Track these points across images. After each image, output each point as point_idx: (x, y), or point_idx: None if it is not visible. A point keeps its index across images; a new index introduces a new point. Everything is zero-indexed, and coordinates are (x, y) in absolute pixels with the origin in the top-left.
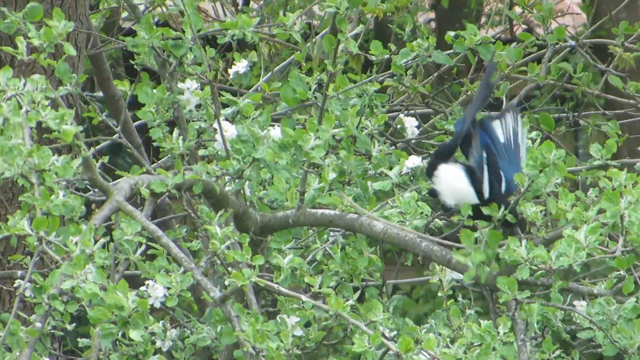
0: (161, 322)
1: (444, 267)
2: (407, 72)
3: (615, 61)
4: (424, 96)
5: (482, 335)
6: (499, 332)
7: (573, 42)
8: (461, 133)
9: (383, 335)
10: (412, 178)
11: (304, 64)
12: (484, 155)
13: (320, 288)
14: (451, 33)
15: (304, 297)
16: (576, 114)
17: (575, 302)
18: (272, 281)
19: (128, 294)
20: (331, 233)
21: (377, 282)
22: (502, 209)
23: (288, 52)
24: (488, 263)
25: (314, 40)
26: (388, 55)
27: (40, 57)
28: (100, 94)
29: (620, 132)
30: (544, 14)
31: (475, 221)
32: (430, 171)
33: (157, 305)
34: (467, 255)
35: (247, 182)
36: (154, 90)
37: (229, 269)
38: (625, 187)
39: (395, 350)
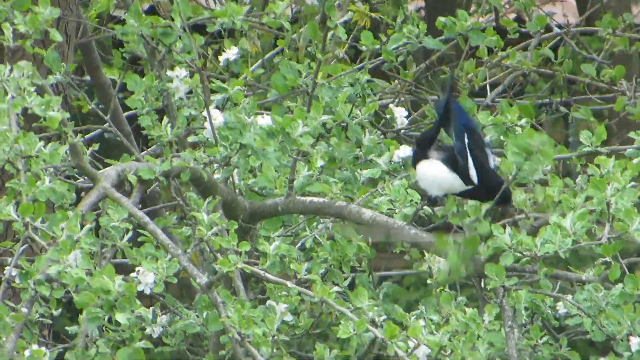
0: (151, 308)
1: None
2: (397, 58)
3: (606, 47)
4: (409, 83)
5: (467, 323)
6: (483, 320)
7: (559, 30)
8: (440, 118)
9: (372, 321)
10: (402, 166)
11: (287, 50)
12: (466, 139)
13: (307, 274)
14: (442, 19)
15: (289, 284)
16: (559, 100)
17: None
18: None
19: (114, 278)
20: (321, 220)
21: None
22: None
23: (270, 37)
24: (464, 264)
25: (300, 30)
26: (378, 46)
27: (27, 44)
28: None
29: (593, 119)
30: (525, 2)
31: (466, 205)
32: (414, 165)
33: (147, 291)
34: (444, 256)
35: (236, 170)
36: (143, 79)
37: (218, 255)
38: (613, 174)
39: (380, 337)
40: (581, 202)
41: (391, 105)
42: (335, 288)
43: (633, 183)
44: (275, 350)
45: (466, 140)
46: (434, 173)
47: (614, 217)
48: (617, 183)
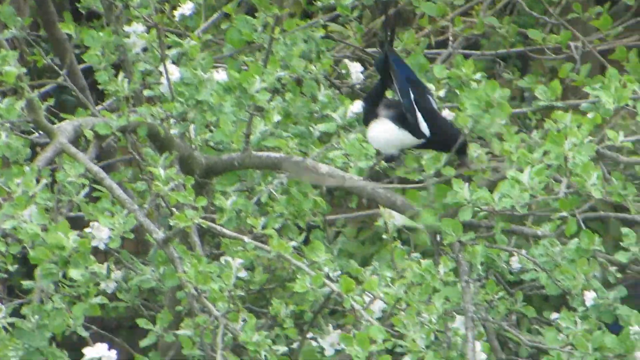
0: (105, 264)
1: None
2: (353, 12)
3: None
4: (356, 48)
5: (423, 275)
6: (439, 272)
7: None
8: (381, 74)
9: (327, 276)
10: (357, 121)
11: (234, 16)
12: (411, 94)
13: (263, 229)
14: None
15: (246, 239)
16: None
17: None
18: (215, 223)
19: (69, 234)
20: (276, 175)
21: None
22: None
23: None
24: (437, 218)
25: None
26: (333, 1)
27: None
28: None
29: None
30: None
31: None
32: (365, 125)
33: (102, 247)
34: (417, 216)
35: (192, 125)
36: (100, 34)
37: (174, 210)
38: (570, 129)
39: (336, 291)
40: (539, 157)
41: (346, 60)
42: (292, 243)
43: (590, 138)
44: (231, 306)
45: (412, 95)
46: (385, 133)
47: (571, 171)
48: (575, 137)
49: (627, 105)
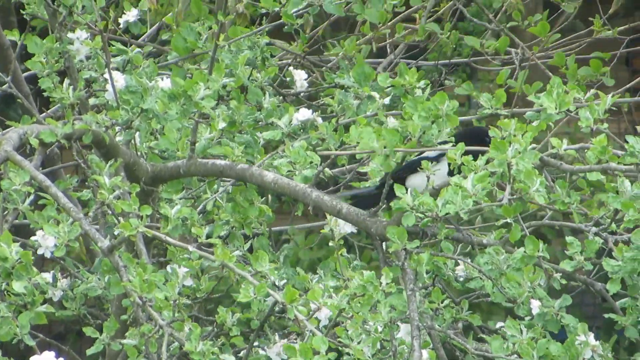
0: (51, 272)
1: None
2: (298, 21)
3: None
4: (296, 55)
5: (365, 286)
6: (381, 283)
7: None
8: None
9: (273, 284)
10: (302, 129)
11: (174, 27)
12: None
13: (208, 238)
14: None
15: (190, 247)
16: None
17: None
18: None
19: (12, 245)
20: (222, 183)
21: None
22: None
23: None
24: (392, 156)
25: None
26: (278, 8)
27: None
28: None
29: (475, 93)
30: None
31: None
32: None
33: (48, 255)
34: (370, 144)
35: (137, 132)
36: (44, 40)
37: (119, 219)
38: (514, 136)
39: (280, 301)
40: (482, 165)
41: (291, 68)
42: (236, 252)
43: (534, 145)
44: (176, 314)
45: None
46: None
47: (514, 178)
48: (518, 145)
49: (569, 111)
